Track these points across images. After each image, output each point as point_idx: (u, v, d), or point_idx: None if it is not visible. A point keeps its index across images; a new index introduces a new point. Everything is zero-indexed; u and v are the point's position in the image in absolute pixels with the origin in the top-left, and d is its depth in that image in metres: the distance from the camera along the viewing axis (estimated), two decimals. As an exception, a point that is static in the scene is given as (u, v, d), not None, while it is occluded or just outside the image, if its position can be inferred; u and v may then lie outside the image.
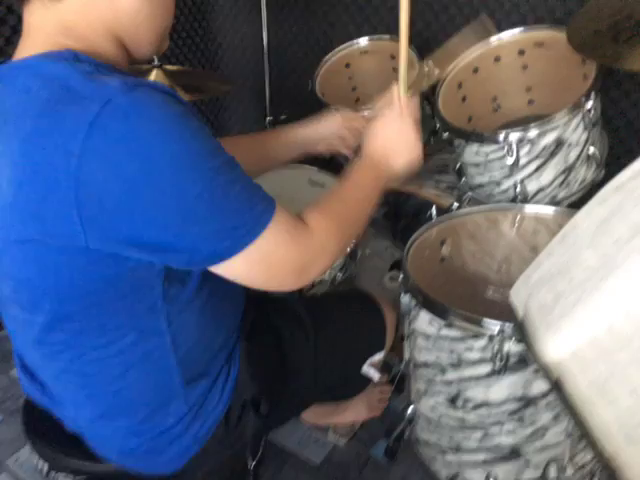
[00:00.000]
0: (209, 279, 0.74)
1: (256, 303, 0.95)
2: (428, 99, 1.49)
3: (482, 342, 0.87)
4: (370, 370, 1.02)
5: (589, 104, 1.05)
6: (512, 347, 0.85)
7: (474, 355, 0.89)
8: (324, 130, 1.10)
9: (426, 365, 0.98)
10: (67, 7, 0.65)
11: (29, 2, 0.66)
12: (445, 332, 0.91)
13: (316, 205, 0.79)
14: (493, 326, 0.83)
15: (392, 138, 0.91)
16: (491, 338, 0.85)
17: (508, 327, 0.82)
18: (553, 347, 0.67)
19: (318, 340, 0.98)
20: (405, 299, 1.00)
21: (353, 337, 1.03)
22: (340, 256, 0.81)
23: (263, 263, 0.69)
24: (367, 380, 1.05)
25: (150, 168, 0.59)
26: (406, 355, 1.07)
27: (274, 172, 1.43)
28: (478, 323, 0.85)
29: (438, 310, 0.90)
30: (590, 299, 0.65)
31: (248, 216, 0.66)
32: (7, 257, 0.67)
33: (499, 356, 0.85)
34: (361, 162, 0.89)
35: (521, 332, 0.73)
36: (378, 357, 1.03)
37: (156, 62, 1.48)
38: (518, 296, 0.81)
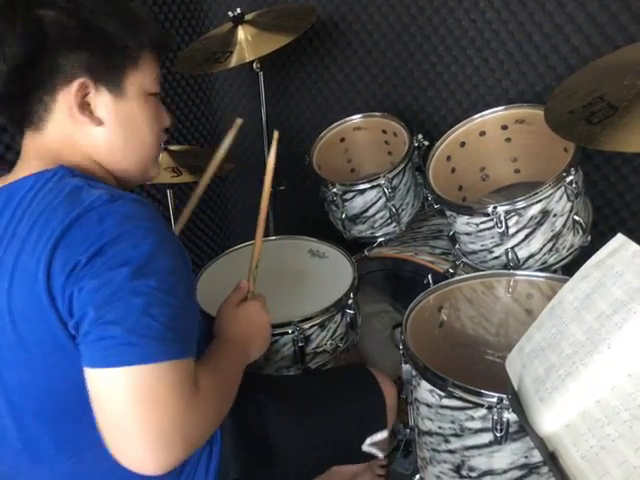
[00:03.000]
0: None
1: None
2: (419, 169, 1.58)
3: (482, 412, 0.90)
4: (372, 449, 1.04)
5: (570, 178, 1.13)
6: (511, 416, 0.88)
7: (475, 424, 0.91)
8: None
9: (429, 434, 1.01)
10: (50, 137, 0.76)
11: (24, 132, 0.77)
12: (446, 402, 0.94)
13: (205, 373, 0.72)
14: (491, 397, 0.87)
15: (244, 324, 0.96)
16: (490, 408, 0.88)
17: (505, 399, 0.86)
18: (547, 419, 0.71)
19: (307, 422, 0.99)
20: (406, 368, 1.04)
21: (348, 418, 1.03)
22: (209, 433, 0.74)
23: (143, 392, 0.62)
24: (369, 455, 1.06)
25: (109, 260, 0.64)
26: (411, 421, 1.10)
27: (274, 244, 1.50)
28: (476, 394, 0.88)
29: (437, 381, 0.93)
30: (578, 373, 0.69)
31: (158, 338, 0.64)
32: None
33: (499, 425, 0.88)
34: (225, 345, 0.89)
35: (516, 404, 0.77)
36: (381, 436, 1.04)
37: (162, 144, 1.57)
38: (513, 367, 0.85)
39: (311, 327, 1.18)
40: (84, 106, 0.74)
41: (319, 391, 1.07)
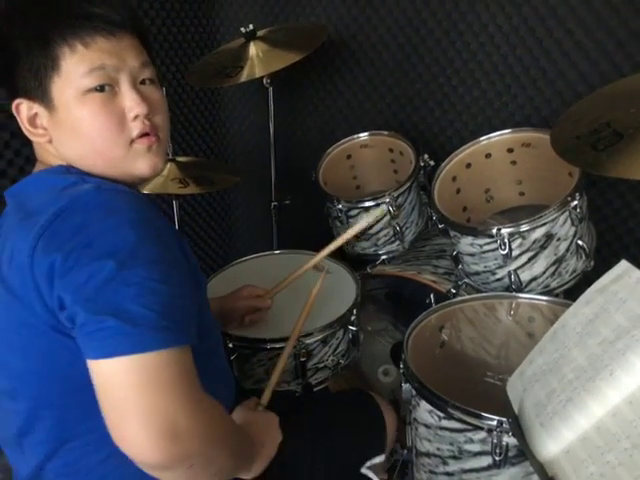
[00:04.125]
0: (200, 357, 0.77)
1: (250, 395, 0.97)
2: (424, 188, 1.58)
3: (481, 435, 0.89)
4: (369, 472, 1.03)
5: (574, 203, 1.13)
6: (511, 440, 0.87)
7: (474, 447, 0.91)
8: (236, 301, 1.19)
9: (427, 455, 1.00)
10: (39, 146, 0.81)
11: None
12: (445, 423, 0.93)
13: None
14: (491, 421, 0.86)
15: (262, 429, 0.90)
16: (490, 431, 0.88)
17: (505, 422, 0.85)
18: (548, 444, 0.70)
19: (311, 445, 0.98)
20: (406, 387, 1.03)
21: (349, 443, 1.03)
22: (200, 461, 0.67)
23: (142, 380, 0.61)
24: (365, 478, 1.05)
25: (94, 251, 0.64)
26: (408, 442, 1.09)
27: (279, 258, 1.50)
28: (476, 416, 0.88)
29: (437, 402, 0.93)
30: (579, 399, 0.69)
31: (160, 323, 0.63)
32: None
33: (498, 449, 0.87)
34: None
35: (516, 428, 0.76)
36: (379, 460, 1.04)
37: (170, 155, 1.59)
38: (513, 390, 0.84)
39: (313, 342, 1.18)
40: (34, 122, 0.77)
41: (323, 415, 1.06)
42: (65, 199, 0.68)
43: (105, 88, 0.74)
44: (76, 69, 0.73)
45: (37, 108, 0.75)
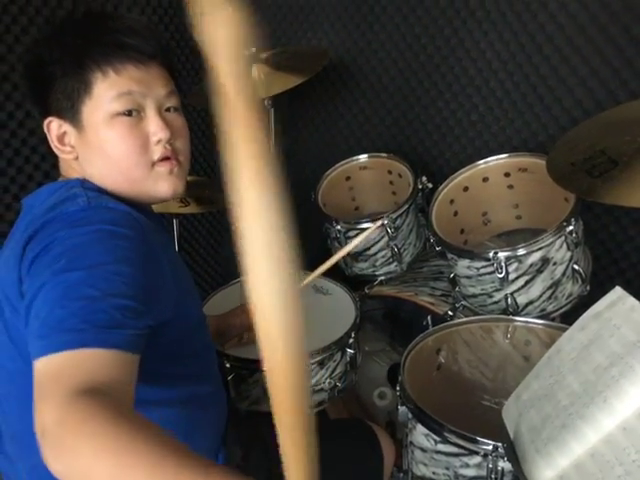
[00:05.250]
0: (184, 381, 0.76)
1: (247, 415, 0.97)
2: (423, 210, 1.60)
3: (477, 459, 0.89)
4: None
5: (570, 228, 1.14)
6: (506, 465, 0.87)
7: (470, 472, 0.91)
8: (234, 318, 1.21)
9: (424, 479, 1.00)
10: (64, 162, 0.85)
11: None
12: (441, 447, 0.93)
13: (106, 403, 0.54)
14: (486, 445, 0.87)
15: None
16: (485, 456, 0.88)
17: (501, 447, 0.85)
18: (542, 470, 0.71)
19: None
20: (403, 410, 1.03)
21: (346, 475, 1.02)
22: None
23: (38, 385, 0.57)
24: None
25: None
26: (405, 465, 1.08)
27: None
28: (472, 441, 0.88)
29: (433, 426, 0.93)
30: (574, 425, 0.70)
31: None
32: None
33: (494, 474, 0.87)
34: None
35: (511, 453, 0.77)
36: None
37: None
38: (509, 415, 0.85)
39: (310, 365, 1.18)
40: (62, 140, 0.81)
41: (321, 447, 1.05)
42: (55, 212, 0.72)
43: (132, 113, 0.80)
44: (106, 93, 0.78)
45: (67, 127, 0.80)
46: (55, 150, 0.82)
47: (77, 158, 0.82)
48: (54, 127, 0.81)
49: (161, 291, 0.72)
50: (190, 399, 0.82)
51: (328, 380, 1.21)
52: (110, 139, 0.79)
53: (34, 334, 0.60)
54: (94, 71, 0.77)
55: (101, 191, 0.80)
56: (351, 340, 1.25)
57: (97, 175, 0.81)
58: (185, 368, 0.83)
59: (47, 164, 1.65)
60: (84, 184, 0.79)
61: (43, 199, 0.78)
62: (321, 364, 1.20)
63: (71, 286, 0.62)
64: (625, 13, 1.37)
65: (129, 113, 0.79)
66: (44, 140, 0.83)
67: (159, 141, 0.81)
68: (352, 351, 1.26)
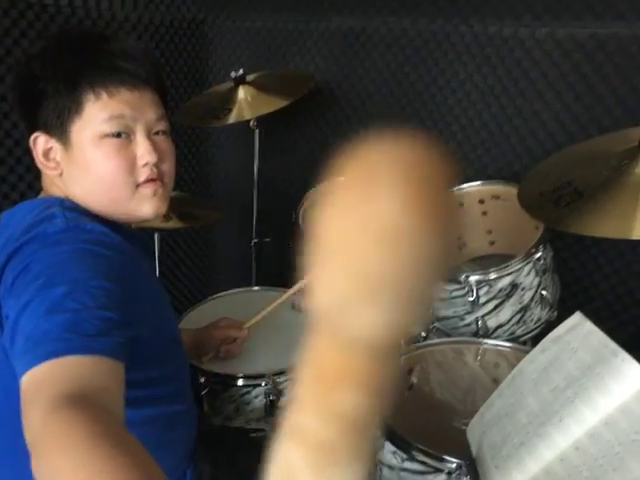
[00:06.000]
0: (155, 402, 0.77)
1: (219, 431, 0.98)
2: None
3: (442, 477, 0.91)
4: None
5: (538, 254, 1.19)
6: (469, 483, 0.89)
7: (435, 490, 0.93)
8: (212, 330, 1.24)
9: (390, 497, 1.01)
10: (46, 178, 0.85)
11: None
12: (407, 465, 0.95)
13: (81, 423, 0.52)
14: (451, 463, 0.89)
15: None
16: (450, 474, 0.90)
17: (465, 465, 0.88)
18: (501, 487, 0.73)
19: None
20: (372, 428, 1.05)
21: None
22: None
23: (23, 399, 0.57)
24: None
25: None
26: (373, 484, 1.10)
27: (255, 294, 1.53)
28: (437, 459, 0.90)
29: (400, 443, 0.95)
30: (531, 443, 0.73)
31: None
32: None
33: (457, 492, 0.89)
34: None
35: (473, 471, 0.79)
36: None
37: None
38: (473, 433, 0.88)
39: (285, 381, 1.20)
40: (48, 155, 0.82)
41: None
42: (32, 233, 0.71)
43: (121, 135, 0.81)
44: (98, 115, 0.79)
45: (53, 143, 0.81)
46: (39, 165, 0.83)
47: (61, 174, 0.82)
48: (40, 142, 0.81)
49: (137, 309, 0.73)
50: (159, 418, 0.81)
51: None
52: (97, 159, 0.79)
53: (20, 351, 0.60)
54: (87, 92, 0.78)
55: (80, 211, 0.80)
56: None
57: (80, 193, 0.82)
58: (157, 389, 0.83)
59: (30, 175, 1.67)
60: (63, 203, 0.79)
61: (20, 217, 0.78)
62: None
63: (54, 301, 0.62)
64: (597, 52, 1.44)
65: (118, 135, 0.80)
66: (28, 152, 0.84)
67: (146, 164, 0.82)
68: None
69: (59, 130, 0.80)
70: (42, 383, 0.56)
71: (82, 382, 0.56)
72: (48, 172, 0.83)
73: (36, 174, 0.90)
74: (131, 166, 0.82)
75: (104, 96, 0.79)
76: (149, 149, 0.82)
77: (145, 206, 0.84)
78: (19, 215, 0.79)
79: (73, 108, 0.78)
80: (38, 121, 0.80)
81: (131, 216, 0.86)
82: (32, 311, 0.63)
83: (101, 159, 0.80)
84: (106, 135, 0.79)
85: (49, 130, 0.80)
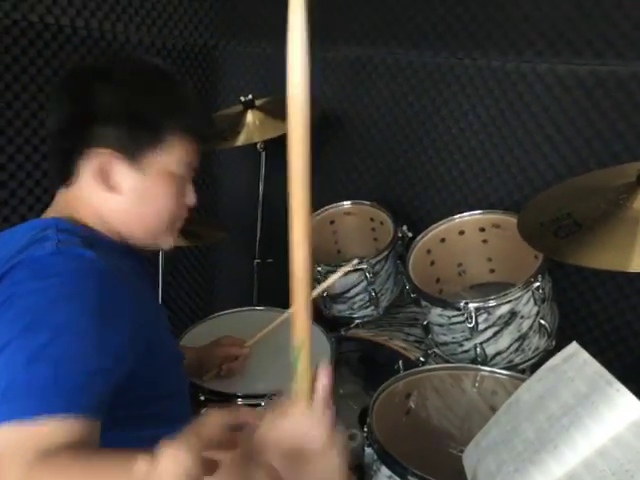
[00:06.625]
0: (154, 422, 0.77)
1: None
2: (402, 257, 1.66)
3: (437, 502, 0.92)
4: None
5: (537, 284, 1.21)
6: (464, 510, 0.90)
7: (429, 515, 0.93)
8: (214, 348, 1.25)
9: (386, 521, 1.01)
10: (72, 193, 0.85)
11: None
12: (403, 489, 0.96)
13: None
14: (446, 488, 0.90)
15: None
16: (445, 499, 0.90)
17: (459, 490, 0.89)
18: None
19: None
20: (369, 451, 1.06)
21: None
22: None
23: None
24: None
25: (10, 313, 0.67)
26: (368, 508, 1.10)
27: (257, 313, 1.55)
28: (433, 484, 0.91)
29: (396, 468, 0.96)
30: (526, 470, 0.74)
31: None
32: None
33: (452, 518, 0.90)
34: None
35: (468, 497, 0.80)
36: None
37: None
38: (469, 460, 0.88)
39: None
40: (105, 174, 0.82)
41: None
42: (22, 255, 0.72)
43: (181, 178, 0.88)
44: (178, 155, 0.85)
45: (120, 164, 0.81)
46: (87, 180, 0.82)
47: (106, 192, 0.82)
48: (103, 160, 0.81)
49: (129, 336, 0.73)
50: (157, 439, 0.82)
51: None
52: (160, 192, 0.85)
53: None
54: (174, 130, 0.83)
55: (77, 233, 0.79)
56: None
57: (111, 213, 0.84)
58: (158, 409, 0.84)
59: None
60: (59, 225, 0.79)
61: (19, 237, 0.78)
62: None
63: (35, 350, 0.61)
64: (596, 89, 1.48)
65: (181, 178, 0.88)
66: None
67: (191, 206, 0.92)
68: None
69: (131, 154, 0.81)
70: (17, 445, 0.56)
71: (58, 442, 0.57)
72: (96, 188, 0.82)
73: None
74: (180, 205, 0.89)
75: (184, 142, 0.85)
76: (194, 194, 0.92)
77: (170, 239, 0.92)
78: (18, 234, 0.79)
79: (155, 138, 0.82)
80: (101, 139, 0.80)
81: (153, 245, 0.91)
82: (12, 357, 0.61)
83: (164, 194, 0.85)
84: (173, 174, 0.86)
85: (119, 151, 0.81)
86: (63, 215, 0.83)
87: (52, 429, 0.58)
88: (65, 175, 0.84)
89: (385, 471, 0.99)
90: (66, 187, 0.85)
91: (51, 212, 0.86)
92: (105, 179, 0.82)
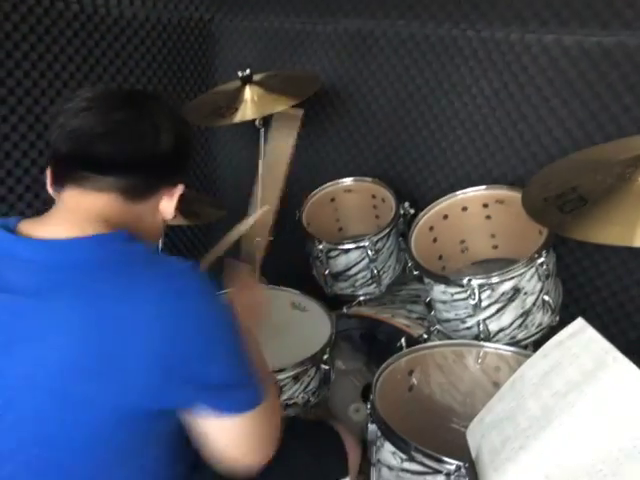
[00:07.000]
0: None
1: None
2: (404, 235, 1.65)
3: (440, 478, 0.92)
4: None
5: (541, 260, 1.20)
6: (468, 485, 0.90)
7: (433, 491, 0.93)
8: None
9: (389, 497, 1.02)
10: (129, 207, 0.82)
11: (65, 188, 0.79)
12: (407, 465, 0.96)
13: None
14: (449, 465, 0.90)
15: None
16: (448, 475, 0.91)
17: (464, 467, 0.88)
18: (500, 489, 0.74)
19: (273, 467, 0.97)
20: (372, 428, 1.06)
21: (308, 464, 1.03)
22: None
23: (266, 423, 0.79)
24: None
25: None
26: (371, 483, 1.11)
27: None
28: (436, 460, 0.91)
29: (400, 444, 0.96)
30: (531, 447, 0.73)
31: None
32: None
33: (456, 493, 0.90)
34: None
35: (472, 473, 0.80)
36: None
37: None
38: (473, 436, 0.88)
39: (285, 379, 1.21)
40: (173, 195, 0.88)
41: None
42: (167, 274, 0.74)
43: None
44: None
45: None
46: (172, 208, 0.88)
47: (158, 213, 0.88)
48: (179, 189, 0.88)
49: None
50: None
51: (302, 395, 1.24)
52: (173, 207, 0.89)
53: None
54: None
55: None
56: (326, 356, 1.28)
57: (152, 229, 0.89)
58: None
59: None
60: (132, 238, 0.81)
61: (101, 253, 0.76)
62: (295, 379, 1.23)
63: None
64: (603, 60, 1.45)
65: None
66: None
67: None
68: (326, 367, 1.29)
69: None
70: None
71: None
72: (156, 208, 0.87)
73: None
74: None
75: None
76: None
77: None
78: (90, 251, 0.77)
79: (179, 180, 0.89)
80: (183, 175, 0.90)
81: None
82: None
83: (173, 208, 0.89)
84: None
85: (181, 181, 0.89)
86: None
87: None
88: (126, 191, 0.81)
89: (389, 447, 0.99)
90: (110, 201, 0.81)
91: (67, 223, 0.80)
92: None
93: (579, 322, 0.84)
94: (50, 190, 0.84)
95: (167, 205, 0.87)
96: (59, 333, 0.68)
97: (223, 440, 0.76)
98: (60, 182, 0.80)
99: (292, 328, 1.37)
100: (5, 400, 0.70)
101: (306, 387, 1.26)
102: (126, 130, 0.80)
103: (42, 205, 1.70)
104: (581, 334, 0.82)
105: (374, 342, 1.71)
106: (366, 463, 1.17)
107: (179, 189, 0.87)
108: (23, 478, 0.74)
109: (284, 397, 1.23)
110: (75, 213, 0.78)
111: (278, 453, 1.02)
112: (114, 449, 0.73)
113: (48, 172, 0.83)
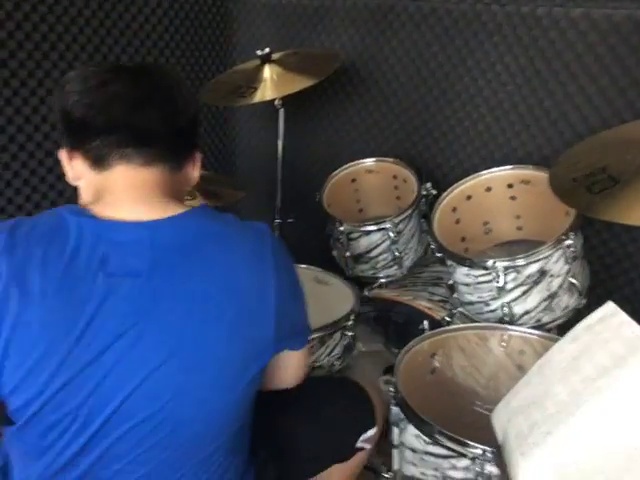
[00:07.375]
0: None
1: None
2: (425, 216, 1.63)
3: (465, 462, 0.91)
4: (364, 444, 1.05)
5: (568, 242, 1.17)
6: (494, 469, 0.89)
7: (457, 474, 0.93)
8: None
9: (412, 479, 1.02)
10: (177, 176, 0.85)
11: (113, 168, 0.78)
12: (431, 449, 0.96)
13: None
14: (475, 449, 0.89)
15: None
16: (474, 459, 0.90)
17: (489, 451, 0.88)
18: (526, 473, 0.73)
19: (301, 421, 1.01)
20: (395, 410, 1.06)
21: (339, 415, 1.04)
22: None
23: (307, 356, 0.96)
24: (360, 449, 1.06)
25: None
26: (395, 465, 1.11)
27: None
28: (461, 444, 0.91)
29: (424, 427, 0.96)
30: (559, 433, 0.72)
31: None
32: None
33: (481, 477, 0.90)
34: None
35: (499, 458, 0.79)
36: (370, 433, 1.04)
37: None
38: (498, 420, 0.87)
39: (311, 340, 1.22)
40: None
41: (313, 394, 1.06)
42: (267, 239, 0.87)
43: None
44: None
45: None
46: (195, 176, 0.90)
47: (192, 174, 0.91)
48: (199, 156, 0.90)
49: None
50: None
51: (327, 358, 1.27)
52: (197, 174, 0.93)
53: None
54: None
55: None
56: (350, 323, 1.31)
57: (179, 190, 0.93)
58: None
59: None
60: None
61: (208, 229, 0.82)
62: (321, 341, 1.26)
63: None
64: (634, 34, 1.39)
65: None
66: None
67: None
68: (350, 334, 1.31)
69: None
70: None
71: None
72: (190, 169, 0.89)
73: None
74: None
75: None
76: None
77: None
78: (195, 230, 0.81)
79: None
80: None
81: None
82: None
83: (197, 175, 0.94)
84: None
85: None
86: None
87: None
88: (171, 160, 0.83)
89: (412, 430, 0.99)
90: (163, 174, 0.82)
91: (134, 199, 0.81)
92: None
93: (609, 306, 0.83)
94: (76, 180, 0.82)
95: (193, 172, 0.89)
96: (195, 302, 0.74)
97: (289, 369, 0.92)
98: (102, 163, 0.78)
99: (317, 299, 1.37)
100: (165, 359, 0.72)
101: (331, 351, 1.30)
102: (158, 96, 0.80)
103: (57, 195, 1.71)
104: (611, 318, 0.80)
105: (395, 325, 1.70)
106: (387, 444, 1.18)
107: (199, 156, 0.89)
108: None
109: (311, 359, 1.27)
110: (138, 190, 0.79)
111: (311, 405, 1.04)
112: (242, 415, 0.83)
113: (78, 159, 0.80)
